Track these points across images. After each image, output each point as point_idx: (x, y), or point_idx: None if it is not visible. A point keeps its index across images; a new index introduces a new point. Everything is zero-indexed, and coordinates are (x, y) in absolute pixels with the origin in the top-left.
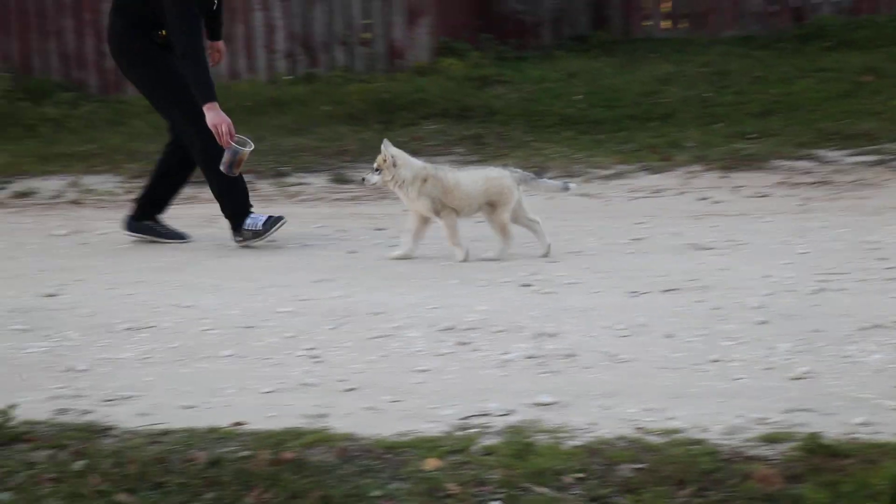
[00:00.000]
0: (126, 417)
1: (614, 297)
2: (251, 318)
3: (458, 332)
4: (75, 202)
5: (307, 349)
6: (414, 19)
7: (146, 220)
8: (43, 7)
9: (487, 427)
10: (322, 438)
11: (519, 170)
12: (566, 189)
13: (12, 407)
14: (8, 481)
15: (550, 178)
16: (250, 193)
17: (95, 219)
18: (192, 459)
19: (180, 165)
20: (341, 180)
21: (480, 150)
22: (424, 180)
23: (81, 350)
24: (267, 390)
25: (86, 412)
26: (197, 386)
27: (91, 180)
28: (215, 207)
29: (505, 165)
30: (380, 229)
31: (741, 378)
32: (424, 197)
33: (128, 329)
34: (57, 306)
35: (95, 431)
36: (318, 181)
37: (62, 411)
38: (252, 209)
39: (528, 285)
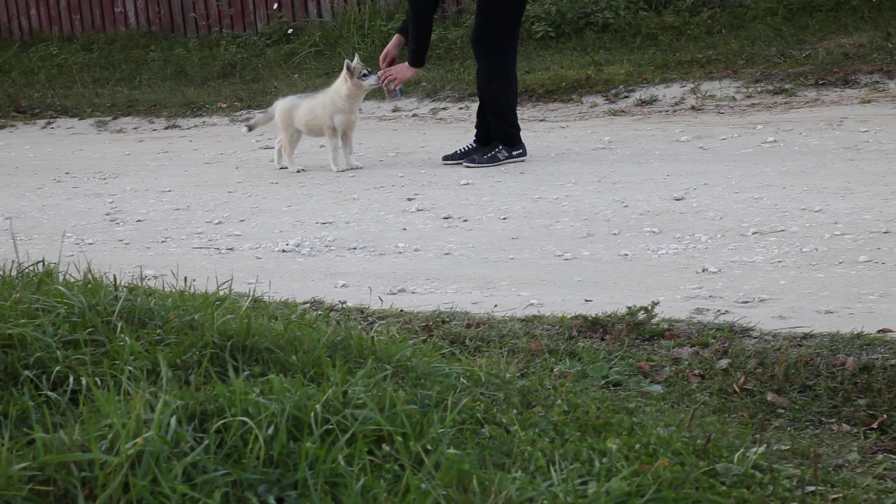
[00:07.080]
0: (764, 319)
1: None
2: (890, 224)
3: None
4: (695, 108)
5: None
6: None
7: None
8: None
9: None
10: None
11: None
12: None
13: (655, 304)
14: (656, 374)
15: None
16: None
17: (715, 124)
18: (839, 364)
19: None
20: None
21: None
22: None
23: (712, 252)
24: None
25: (722, 312)
26: (834, 291)
27: (710, 86)
28: (839, 110)
29: None
30: None
31: None
32: None
33: (756, 233)
34: (685, 209)
35: (735, 332)
36: None
37: (699, 311)
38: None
39: None
